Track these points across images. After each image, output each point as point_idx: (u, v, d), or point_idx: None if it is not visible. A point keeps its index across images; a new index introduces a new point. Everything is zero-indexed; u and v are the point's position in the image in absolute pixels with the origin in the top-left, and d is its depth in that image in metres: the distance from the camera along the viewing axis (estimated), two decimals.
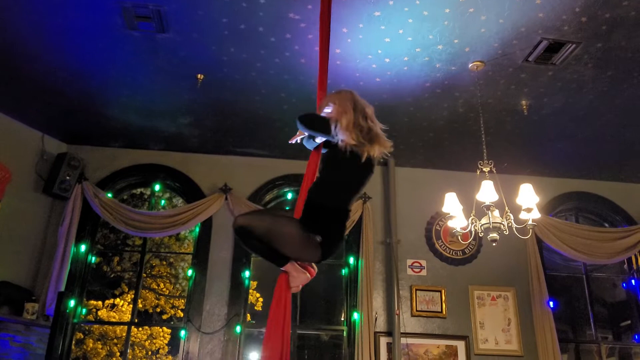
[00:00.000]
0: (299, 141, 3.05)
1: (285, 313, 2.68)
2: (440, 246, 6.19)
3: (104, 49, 4.61)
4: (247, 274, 5.93)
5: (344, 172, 2.72)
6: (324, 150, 2.91)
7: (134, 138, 6.09)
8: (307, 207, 2.66)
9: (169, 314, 10.53)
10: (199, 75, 4.87)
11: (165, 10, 4.12)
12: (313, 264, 2.86)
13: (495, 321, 5.93)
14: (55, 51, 4.67)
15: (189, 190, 6.24)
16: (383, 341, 5.70)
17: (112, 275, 10.61)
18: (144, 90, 5.20)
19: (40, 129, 5.95)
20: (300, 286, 2.84)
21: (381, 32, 4.28)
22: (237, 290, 5.84)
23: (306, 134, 2.92)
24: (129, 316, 9.31)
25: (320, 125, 2.76)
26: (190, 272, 6.04)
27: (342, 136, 2.67)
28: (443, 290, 5.99)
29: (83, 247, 5.89)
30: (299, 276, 2.76)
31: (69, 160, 5.83)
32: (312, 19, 4.12)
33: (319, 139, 2.90)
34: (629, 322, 6.96)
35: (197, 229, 6.12)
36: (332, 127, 2.70)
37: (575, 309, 8.33)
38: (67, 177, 5.81)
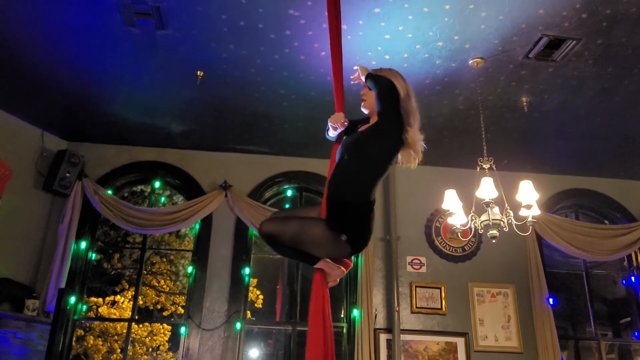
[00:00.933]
0: (356, 76, 2.92)
1: (324, 309, 2.66)
2: (440, 243, 6.19)
3: (103, 46, 4.61)
4: (247, 271, 5.94)
5: (379, 155, 2.65)
6: (346, 137, 2.81)
7: (134, 135, 6.09)
8: (330, 206, 2.59)
9: (170, 311, 10.57)
10: (198, 72, 4.86)
11: (164, 7, 4.11)
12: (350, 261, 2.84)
13: (495, 318, 5.94)
14: (55, 48, 4.66)
15: (189, 188, 6.24)
16: (383, 338, 5.70)
17: (112, 272, 10.64)
18: (144, 87, 5.19)
19: (40, 125, 5.95)
20: (338, 279, 2.80)
21: (381, 29, 4.27)
22: (237, 287, 5.84)
23: (363, 78, 2.82)
24: (130, 313, 9.33)
25: (391, 95, 2.67)
26: (190, 269, 6.04)
27: (408, 118, 2.65)
28: (443, 287, 5.99)
29: (83, 244, 5.89)
30: (333, 272, 2.72)
31: (69, 157, 5.83)
32: (312, 15, 4.12)
33: (332, 132, 2.82)
34: (629, 319, 6.97)
35: (197, 226, 6.12)
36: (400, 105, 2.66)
37: (575, 305, 8.35)
38: (67, 174, 5.81)
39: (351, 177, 2.61)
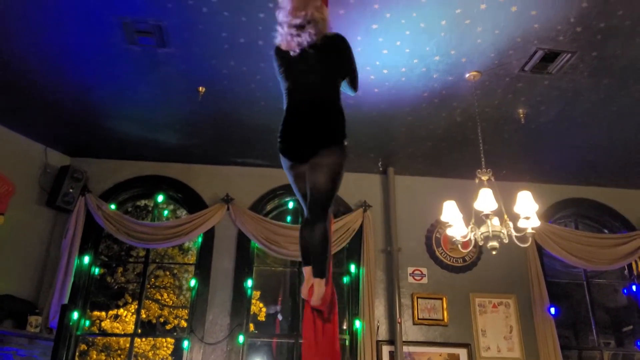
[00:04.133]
0: None
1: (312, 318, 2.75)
2: (441, 254, 6.22)
3: (105, 63, 4.67)
4: (249, 283, 5.96)
5: None
6: None
7: (136, 150, 6.14)
8: None
9: (172, 324, 10.56)
10: (200, 88, 4.93)
11: (165, 25, 4.18)
12: (315, 287, 2.70)
13: (497, 328, 5.94)
14: (57, 66, 4.73)
15: (191, 201, 6.28)
16: (385, 350, 5.71)
17: (115, 287, 10.65)
18: (145, 103, 5.26)
19: (43, 142, 6.00)
20: (308, 294, 2.73)
21: (379, 44, 4.34)
22: (240, 300, 5.86)
23: None
24: (133, 327, 9.33)
25: None
26: (192, 283, 6.06)
27: None
28: (444, 298, 6.00)
29: (86, 259, 5.91)
30: (307, 281, 2.75)
31: (72, 173, 5.87)
32: None
33: None
34: (631, 327, 6.97)
35: (200, 240, 6.16)
36: None
37: (577, 315, 8.33)
38: (70, 190, 5.86)
39: None
